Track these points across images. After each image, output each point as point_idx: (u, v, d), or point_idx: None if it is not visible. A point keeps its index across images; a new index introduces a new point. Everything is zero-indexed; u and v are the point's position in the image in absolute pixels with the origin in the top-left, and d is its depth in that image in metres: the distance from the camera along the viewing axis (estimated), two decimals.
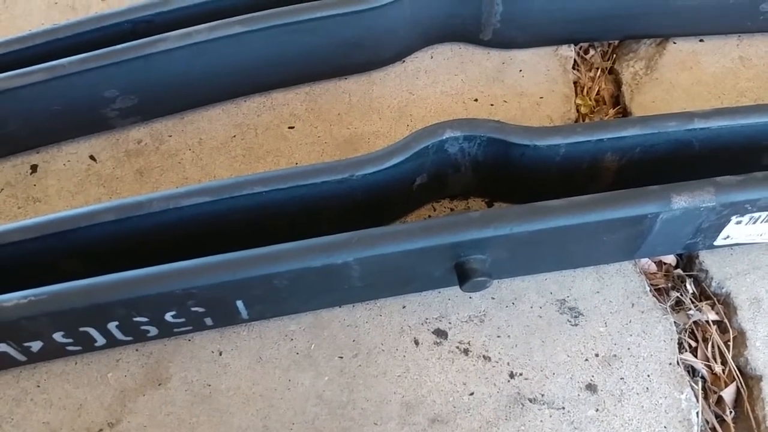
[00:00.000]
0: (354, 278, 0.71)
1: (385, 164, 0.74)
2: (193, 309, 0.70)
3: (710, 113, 0.77)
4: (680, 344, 0.77)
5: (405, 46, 0.96)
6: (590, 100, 0.96)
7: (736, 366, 0.76)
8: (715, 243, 0.78)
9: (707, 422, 0.73)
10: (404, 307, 0.78)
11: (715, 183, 0.70)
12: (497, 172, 0.79)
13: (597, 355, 0.75)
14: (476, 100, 0.94)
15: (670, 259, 0.83)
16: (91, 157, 0.91)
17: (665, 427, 0.71)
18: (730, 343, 0.77)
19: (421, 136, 0.76)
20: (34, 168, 0.91)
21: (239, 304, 0.72)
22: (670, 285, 0.82)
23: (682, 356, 0.76)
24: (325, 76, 0.96)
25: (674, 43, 0.99)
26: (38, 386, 0.75)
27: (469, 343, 0.76)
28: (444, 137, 0.75)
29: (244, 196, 0.73)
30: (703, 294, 0.81)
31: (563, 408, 0.72)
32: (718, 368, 0.76)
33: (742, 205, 0.71)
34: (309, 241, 0.68)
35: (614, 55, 1.01)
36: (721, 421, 0.74)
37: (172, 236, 0.74)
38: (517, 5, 0.91)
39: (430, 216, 0.85)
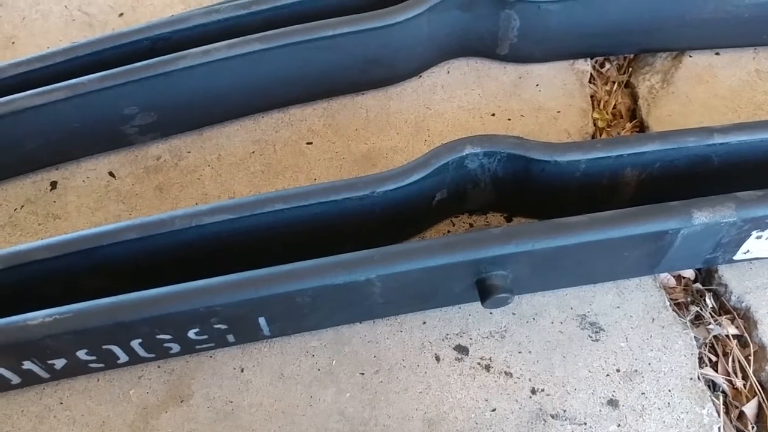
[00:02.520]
0: (375, 295, 0.72)
1: (405, 181, 0.75)
2: (216, 326, 0.71)
3: (729, 128, 0.77)
4: (701, 359, 0.77)
5: (422, 61, 0.96)
6: (607, 113, 0.97)
7: (758, 380, 0.76)
8: (735, 257, 0.78)
9: None
10: (425, 322, 0.78)
11: (735, 198, 0.70)
12: (517, 187, 0.80)
13: (618, 371, 0.75)
14: (493, 114, 0.94)
15: (689, 273, 0.83)
16: (111, 174, 0.92)
17: None
18: (751, 358, 0.77)
19: (441, 153, 0.76)
20: (53, 184, 0.91)
21: (261, 321, 0.72)
22: (689, 299, 0.82)
23: (702, 371, 0.76)
24: (342, 92, 0.96)
25: (690, 56, 0.99)
26: (61, 403, 0.75)
27: (490, 359, 0.76)
28: (464, 153, 0.76)
29: (266, 213, 0.73)
30: (722, 308, 0.81)
31: (585, 423, 0.72)
32: (739, 383, 0.76)
33: (762, 220, 0.71)
34: (331, 259, 0.69)
35: (630, 69, 1.01)
36: None
37: (195, 253, 0.74)
38: (534, 21, 0.91)
39: (449, 231, 0.85)
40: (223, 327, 0.71)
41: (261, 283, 0.67)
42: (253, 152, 0.92)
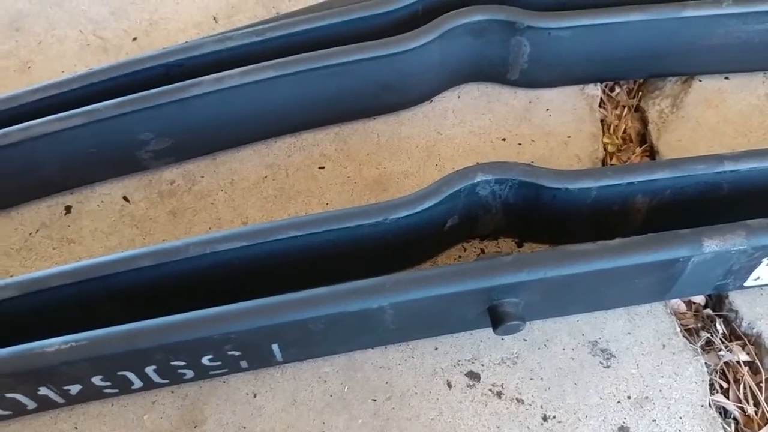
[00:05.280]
0: (387, 321, 0.72)
1: (417, 208, 0.75)
2: (230, 353, 0.71)
3: (739, 156, 0.77)
4: (712, 385, 0.77)
5: (433, 86, 0.97)
6: (617, 138, 0.97)
7: None
8: (746, 284, 0.78)
9: None
10: (436, 348, 0.78)
11: (746, 226, 0.71)
12: (528, 213, 0.80)
13: (629, 397, 0.75)
14: (504, 139, 0.95)
15: (700, 298, 0.84)
16: (125, 198, 0.93)
17: None
18: (763, 385, 0.77)
19: (452, 180, 0.77)
20: (68, 209, 0.92)
21: (275, 347, 0.72)
22: (699, 325, 0.82)
23: (713, 398, 0.76)
24: (354, 117, 0.97)
25: (699, 80, 0.99)
26: (76, 428, 0.75)
27: (502, 385, 0.76)
28: (475, 180, 0.76)
29: (280, 240, 0.74)
30: (733, 334, 0.81)
31: None
32: (750, 410, 0.76)
33: None
34: (344, 286, 0.69)
35: (640, 93, 1.02)
36: None
37: (208, 280, 0.75)
38: (545, 47, 0.92)
39: (460, 256, 0.85)
40: (237, 353, 0.72)
41: (274, 311, 0.68)
42: (266, 177, 0.93)
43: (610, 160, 0.95)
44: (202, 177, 0.94)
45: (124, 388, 0.74)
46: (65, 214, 0.92)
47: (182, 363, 0.72)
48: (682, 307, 0.83)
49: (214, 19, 1.11)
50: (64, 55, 1.09)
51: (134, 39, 1.10)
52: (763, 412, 0.76)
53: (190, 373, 0.74)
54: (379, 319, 0.71)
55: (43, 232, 0.91)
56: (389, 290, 0.68)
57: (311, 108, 0.93)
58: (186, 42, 0.94)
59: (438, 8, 0.93)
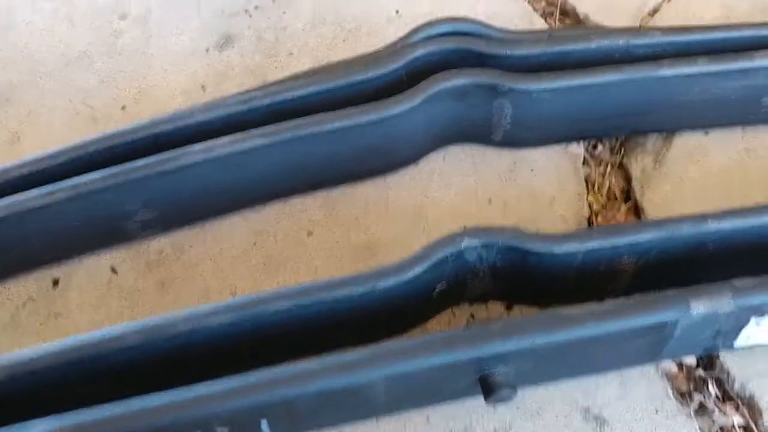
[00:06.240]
0: (377, 393, 0.71)
1: (406, 275, 0.75)
2: (219, 429, 0.70)
3: (723, 215, 0.78)
4: None
5: (419, 149, 0.98)
6: (602, 196, 0.98)
7: None
8: (736, 344, 0.78)
9: None
10: (428, 419, 0.78)
11: (732, 287, 0.71)
12: (516, 277, 0.80)
13: None
14: (490, 200, 0.95)
15: (691, 359, 0.83)
16: (112, 269, 0.92)
17: None
18: None
19: (439, 246, 0.77)
20: (55, 282, 0.92)
21: (263, 424, 0.71)
22: (692, 387, 0.81)
23: None
24: (341, 182, 0.97)
25: (680, 136, 1.00)
26: None
27: None
28: (462, 247, 0.77)
29: (268, 312, 0.74)
30: (726, 395, 0.81)
31: None
32: None
33: (760, 307, 0.72)
34: (331, 360, 0.69)
35: (623, 149, 1.03)
36: None
37: (197, 354, 0.75)
38: (527, 108, 0.93)
39: (450, 321, 0.85)
40: (225, 430, 0.71)
41: (260, 389, 0.67)
42: (255, 243, 0.93)
43: (596, 218, 0.95)
44: (191, 246, 0.94)
45: None
46: (53, 288, 0.91)
47: None
48: (674, 369, 0.82)
49: (202, 87, 1.12)
50: (53, 124, 1.09)
51: (123, 107, 1.11)
52: None
53: None
54: (368, 392, 0.71)
55: (30, 306, 0.90)
56: (377, 362, 0.68)
57: (299, 174, 0.93)
58: (174, 111, 0.94)
59: (421, 72, 0.94)
